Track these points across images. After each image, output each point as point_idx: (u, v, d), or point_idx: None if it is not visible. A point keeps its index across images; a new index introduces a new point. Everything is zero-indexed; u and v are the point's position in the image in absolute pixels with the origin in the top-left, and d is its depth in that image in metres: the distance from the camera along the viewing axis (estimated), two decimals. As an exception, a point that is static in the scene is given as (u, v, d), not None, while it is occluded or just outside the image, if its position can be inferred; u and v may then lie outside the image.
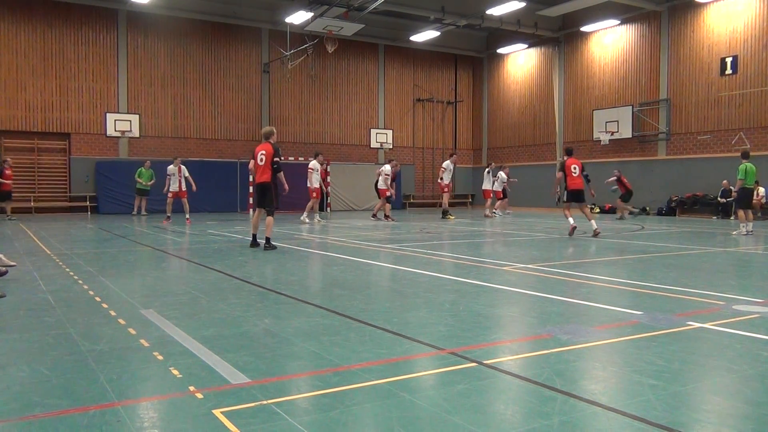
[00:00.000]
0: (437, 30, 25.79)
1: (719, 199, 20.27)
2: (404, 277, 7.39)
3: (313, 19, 22.00)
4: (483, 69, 30.93)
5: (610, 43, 24.72)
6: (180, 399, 3.15)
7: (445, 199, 19.57)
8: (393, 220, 18.16)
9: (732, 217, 19.92)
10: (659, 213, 22.18)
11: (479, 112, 31.43)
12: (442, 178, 19.44)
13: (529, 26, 25.22)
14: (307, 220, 16.93)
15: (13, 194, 19.59)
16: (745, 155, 13.94)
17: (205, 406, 3.01)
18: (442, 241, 12.27)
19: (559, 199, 13.86)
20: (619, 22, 23.92)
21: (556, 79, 26.90)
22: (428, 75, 30.34)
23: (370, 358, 3.87)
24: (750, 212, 14.17)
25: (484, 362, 3.76)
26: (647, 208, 22.88)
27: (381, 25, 26.68)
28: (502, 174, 22.23)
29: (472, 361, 3.79)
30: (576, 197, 12.75)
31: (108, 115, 22.37)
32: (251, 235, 10.72)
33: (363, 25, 23.06)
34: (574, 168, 12.72)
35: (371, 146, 27.80)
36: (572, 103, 26.42)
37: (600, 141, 24.33)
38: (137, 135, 22.78)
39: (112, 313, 5.20)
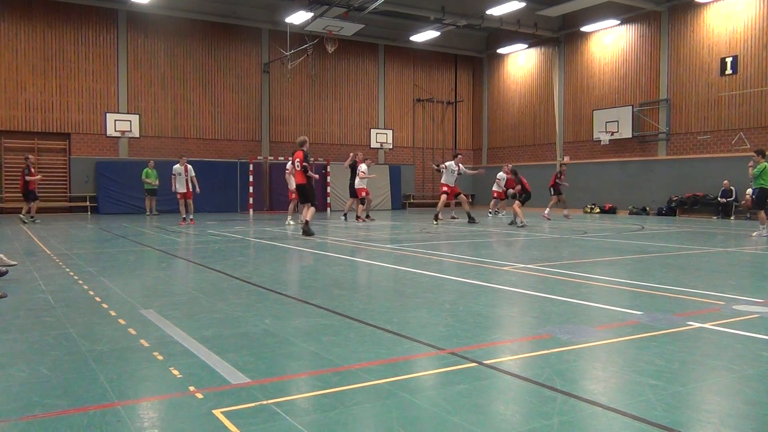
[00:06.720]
0: (437, 30, 25.78)
1: (719, 199, 20.28)
2: (404, 277, 7.39)
3: (313, 19, 22.00)
4: (483, 69, 30.92)
5: (610, 43, 24.72)
6: (180, 399, 3.14)
7: (441, 201, 17.53)
8: (364, 220, 17.80)
9: (732, 218, 19.93)
10: (659, 213, 22.18)
11: (479, 112, 31.42)
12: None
13: (529, 26, 25.21)
14: (291, 222, 16.30)
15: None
16: (762, 153, 13.35)
17: (205, 406, 3.01)
18: (441, 241, 12.27)
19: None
20: (619, 22, 23.92)
21: (556, 79, 26.89)
22: (428, 75, 30.33)
23: (370, 358, 3.87)
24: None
25: (484, 362, 3.75)
26: (647, 208, 22.89)
27: (381, 25, 26.68)
28: (502, 174, 22.06)
29: (472, 361, 3.79)
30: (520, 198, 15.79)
31: (108, 115, 22.36)
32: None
33: (363, 25, 23.06)
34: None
35: (371, 146, 27.78)
36: (572, 103, 26.41)
37: (600, 141, 24.35)
38: (137, 135, 22.76)
39: (112, 313, 5.20)
